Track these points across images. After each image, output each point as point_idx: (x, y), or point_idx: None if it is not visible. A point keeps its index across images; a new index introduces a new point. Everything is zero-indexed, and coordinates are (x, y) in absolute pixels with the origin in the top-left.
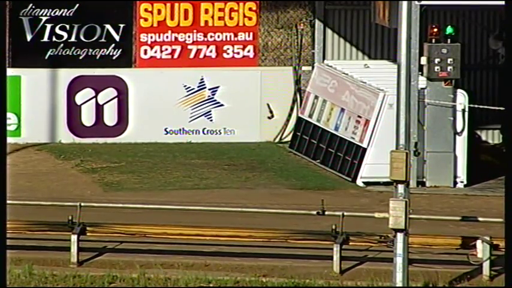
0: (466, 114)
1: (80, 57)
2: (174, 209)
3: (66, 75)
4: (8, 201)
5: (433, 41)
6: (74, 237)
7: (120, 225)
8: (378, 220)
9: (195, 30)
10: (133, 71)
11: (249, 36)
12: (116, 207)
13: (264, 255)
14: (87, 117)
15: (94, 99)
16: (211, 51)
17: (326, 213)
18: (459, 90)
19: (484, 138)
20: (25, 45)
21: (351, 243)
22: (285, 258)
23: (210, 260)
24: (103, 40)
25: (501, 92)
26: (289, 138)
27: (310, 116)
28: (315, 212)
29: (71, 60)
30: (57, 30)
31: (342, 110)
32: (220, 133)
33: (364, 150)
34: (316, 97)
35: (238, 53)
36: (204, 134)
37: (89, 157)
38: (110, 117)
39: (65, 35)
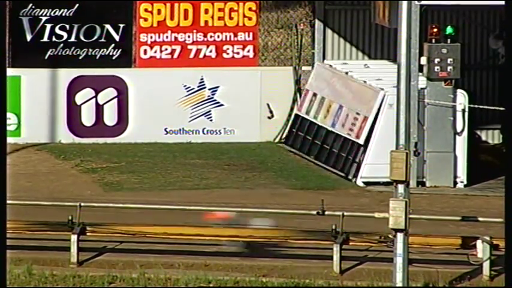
0: (466, 114)
1: (80, 57)
2: (174, 209)
3: (66, 75)
4: (8, 201)
5: (433, 41)
6: (73, 237)
7: (120, 225)
8: (378, 220)
9: (194, 30)
10: (133, 71)
11: (248, 36)
12: (115, 207)
13: (264, 255)
14: (87, 117)
15: (94, 99)
16: (211, 51)
17: (326, 213)
18: (459, 90)
19: (484, 138)
20: (25, 45)
21: (351, 243)
22: (285, 258)
23: (210, 260)
24: (103, 40)
25: (501, 92)
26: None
27: (308, 112)
28: (315, 212)
29: (71, 60)
30: (57, 30)
31: (340, 107)
32: (220, 133)
33: (360, 146)
34: (314, 94)
35: (238, 53)
36: (204, 134)
37: (89, 157)
38: (110, 117)
39: (65, 35)
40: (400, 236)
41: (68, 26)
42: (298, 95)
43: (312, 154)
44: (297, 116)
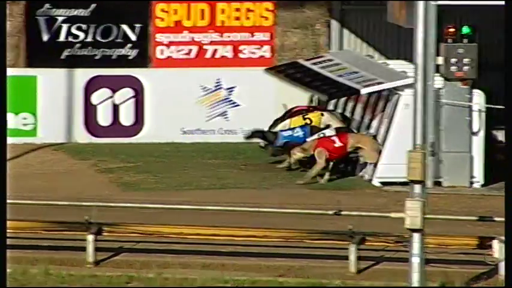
0: (483, 114)
1: (96, 57)
2: (191, 208)
3: (82, 75)
4: (24, 201)
5: (450, 40)
6: (90, 237)
7: (136, 225)
8: (395, 220)
9: (211, 30)
10: (150, 71)
11: (265, 36)
12: (132, 207)
13: (280, 255)
14: (104, 117)
15: (110, 99)
16: (227, 51)
17: (342, 213)
18: (476, 90)
19: (500, 138)
20: (41, 45)
21: (367, 243)
22: (301, 258)
23: (226, 260)
24: (119, 40)
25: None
26: None
27: (313, 65)
28: (331, 212)
29: (87, 60)
30: (73, 30)
31: (357, 72)
32: (237, 133)
33: (357, 91)
34: (330, 60)
35: (254, 53)
36: (221, 134)
37: (106, 157)
38: (127, 117)
39: (82, 35)
40: (416, 236)
41: (84, 26)
42: (314, 95)
43: (296, 82)
44: (295, 62)
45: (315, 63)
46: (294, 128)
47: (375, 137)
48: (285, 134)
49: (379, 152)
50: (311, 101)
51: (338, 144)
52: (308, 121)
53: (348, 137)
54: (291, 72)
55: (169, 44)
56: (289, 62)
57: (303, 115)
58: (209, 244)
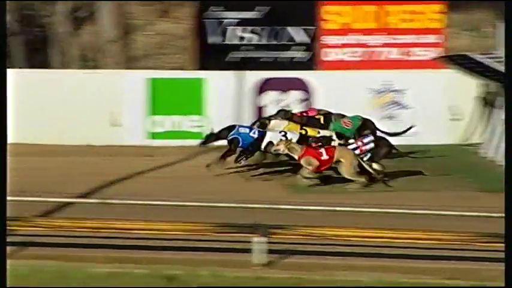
0: None
1: (265, 60)
2: (355, 211)
3: (251, 77)
4: (193, 203)
5: None
6: (258, 239)
7: (304, 228)
8: None
9: (380, 33)
10: (319, 74)
11: (435, 38)
12: (300, 209)
13: (446, 258)
14: None
15: (279, 102)
16: (396, 54)
17: None
18: None
19: None
20: (209, 47)
21: None
22: (467, 261)
23: (392, 263)
24: (288, 42)
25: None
26: (475, 141)
27: (484, 59)
28: (499, 215)
29: (256, 63)
30: (242, 32)
31: None
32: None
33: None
34: (500, 57)
35: (424, 55)
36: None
37: (274, 159)
38: None
39: (250, 37)
40: None
41: (253, 29)
42: (484, 95)
43: (467, 70)
44: (465, 55)
45: (485, 58)
46: (252, 129)
47: None
48: (242, 130)
49: (359, 167)
50: (484, 100)
51: (325, 157)
52: (303, 132)
53: (334, 151)
54: (463, 62)
55: (336, 46)
56: (461, 54)
57: (301, 125)
58: (374, 246)
